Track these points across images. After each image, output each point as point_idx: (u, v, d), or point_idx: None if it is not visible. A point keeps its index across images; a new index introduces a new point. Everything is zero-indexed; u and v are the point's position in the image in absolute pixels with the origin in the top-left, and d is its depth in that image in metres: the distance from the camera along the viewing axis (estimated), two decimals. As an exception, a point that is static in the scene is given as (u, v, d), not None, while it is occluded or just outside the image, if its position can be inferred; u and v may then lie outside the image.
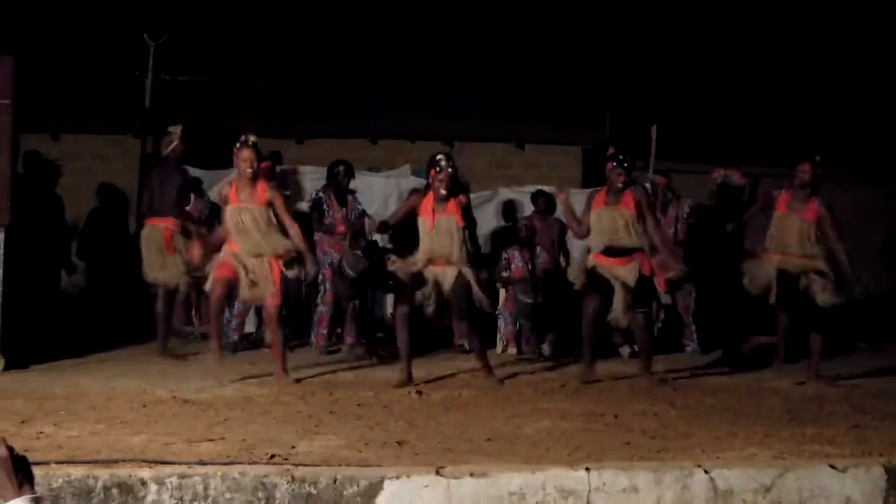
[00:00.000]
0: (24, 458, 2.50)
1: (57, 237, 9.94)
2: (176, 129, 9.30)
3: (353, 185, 10.01)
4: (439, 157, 8.12)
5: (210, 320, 8.16)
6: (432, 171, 8.00)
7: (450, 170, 7.95)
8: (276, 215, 7.85)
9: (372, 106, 13.71)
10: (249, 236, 7.79)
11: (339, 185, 9.82)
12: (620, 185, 8.18)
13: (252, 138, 7.94)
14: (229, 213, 7.90)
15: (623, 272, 8.11)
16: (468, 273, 7.90)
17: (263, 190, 7.86)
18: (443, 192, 7.91)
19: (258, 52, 15.27)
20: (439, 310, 8.06)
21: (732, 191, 10.09)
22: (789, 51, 17.31)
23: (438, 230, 7.89)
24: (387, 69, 15.02)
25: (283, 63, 14.95)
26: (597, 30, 17.43)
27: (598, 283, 8.21)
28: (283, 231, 7.86)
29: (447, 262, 7.91)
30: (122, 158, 11.71)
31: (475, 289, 7.93)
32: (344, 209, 9.79)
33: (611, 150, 8.52)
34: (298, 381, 7.83)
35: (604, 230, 8.19)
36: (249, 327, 10.16)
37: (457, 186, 8.12)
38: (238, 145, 7.92)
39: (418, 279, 7.93)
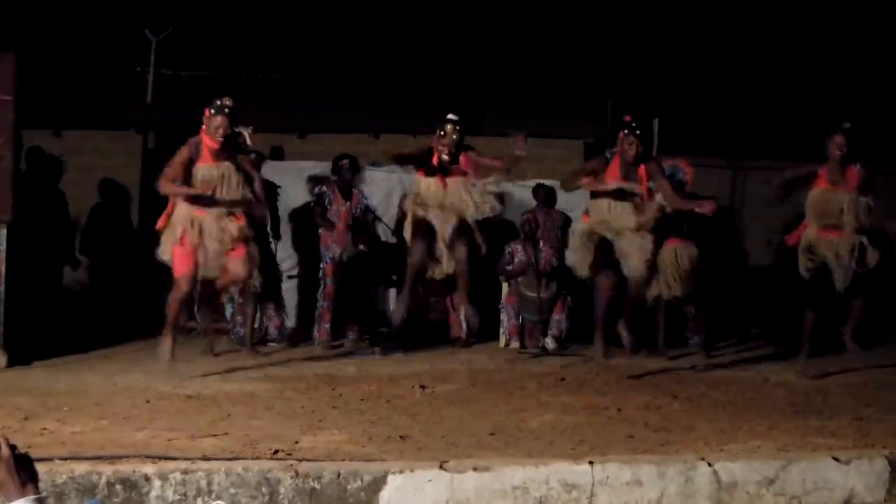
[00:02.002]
0: (26, 457, 2.49)
1: (59, 233, 9.95)
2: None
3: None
4: (449, 118, 7.93)
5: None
6: (437, 132, 7.91)
7: (454, 136, 7.85)
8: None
9: (374, 100, 13.69)
10: None
11: (343, 179, 9.81)
12: (632, 158, 7.77)
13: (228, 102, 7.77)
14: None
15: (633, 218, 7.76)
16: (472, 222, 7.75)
17: None
18: (445, 157, 7.83)
19: (260, 46, 15.27)
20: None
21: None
22: (793, 42, 17.28)
23: (449, 188, 7.81)
24: (389, 64, 15.01)
25: (285, 58, 14.94)
26: (598, 22, 17.40)
27: (605, 256, 7.84)
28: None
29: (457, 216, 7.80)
30: (124, 154, 11.70)
31: (475, 238, 7.76)
32: (348, 203, 9.77)
33: (626, 118, 7.97)
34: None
35: (613, 211, 7.82)
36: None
37: (461, 150, 7.94)
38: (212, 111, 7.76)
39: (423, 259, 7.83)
